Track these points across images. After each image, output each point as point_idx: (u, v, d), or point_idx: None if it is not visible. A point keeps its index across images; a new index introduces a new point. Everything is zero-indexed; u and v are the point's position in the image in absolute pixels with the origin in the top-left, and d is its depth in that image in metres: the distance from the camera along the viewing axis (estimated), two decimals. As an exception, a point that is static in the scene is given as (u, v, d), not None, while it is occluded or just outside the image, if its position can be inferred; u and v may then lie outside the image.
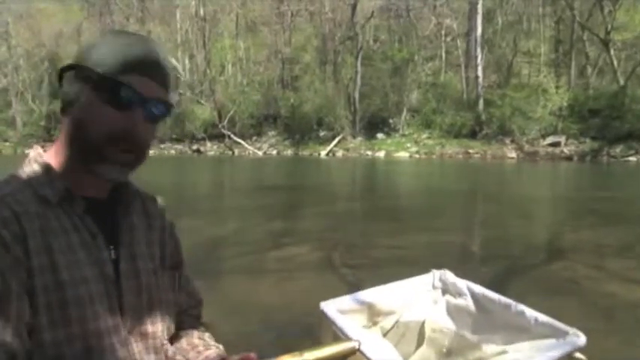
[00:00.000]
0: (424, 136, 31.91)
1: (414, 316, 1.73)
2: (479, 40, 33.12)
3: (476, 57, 32.83)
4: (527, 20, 36.91)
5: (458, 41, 37.23)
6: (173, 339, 1.09)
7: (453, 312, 1.75)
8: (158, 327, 1.01)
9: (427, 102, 33.42)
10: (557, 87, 28.35)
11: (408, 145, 31.38)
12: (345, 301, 1.66)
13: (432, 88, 34.62)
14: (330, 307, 1.56)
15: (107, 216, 0.99)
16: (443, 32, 37.53)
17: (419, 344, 1.67)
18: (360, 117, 34.37)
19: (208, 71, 40.62)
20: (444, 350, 1.59)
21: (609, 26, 27.54)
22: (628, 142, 24.10)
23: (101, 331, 0.89)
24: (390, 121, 33.64)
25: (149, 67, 0.93)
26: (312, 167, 23.83)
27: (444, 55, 37.13)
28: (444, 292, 1.82)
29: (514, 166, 23.41)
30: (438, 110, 32.49)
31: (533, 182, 16.25)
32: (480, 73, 32.18)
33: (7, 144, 44.18)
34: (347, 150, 32.72)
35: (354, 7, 37.20)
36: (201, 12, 43.16)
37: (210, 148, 38.04)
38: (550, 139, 27.08)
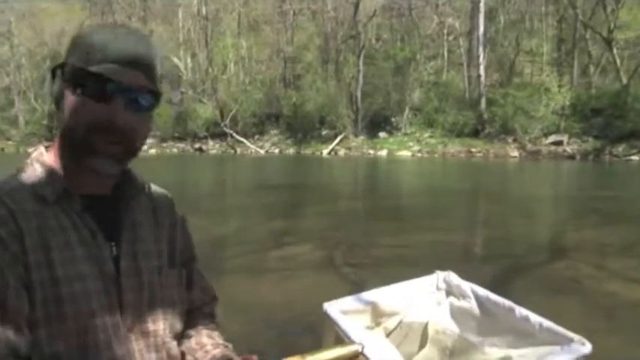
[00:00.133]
0: (426, 135, 31.89)
1: (418, 318, 1.72)
2: (481, 38, 33.08)
3: (478, 56, 32.77)
4: (530, 19, 36.87)
5: (460, 40, 37.15)
6: (183, 338, 1.09)
7: (456, 314, 1.75)
8: (159, 325, 1.00)
9: (429, 101, 33.38)
10: (559, 86, 28.30)
11: (411, 144, 31.36)
12: (348, 302, 1.66)
13: (435, 87, 34.58)
14: (333, 307, 1.56)
15: (109, 213, 0.99)
16: (445, 31, 37.50)
17: (422, 345, 1.66)
18: (362, 116, 34.36)
19: (210, 70, 40.64)
20: (447, 352, 1.59)
21: (612, 25, 27.48)
22: (630, 141, 24.05)
23: (98, 327, 0.89)
24: (393, 119, 33.60)
25: (131, 57, 0.91)
26: (314, 166, 23.84)
27: (446, 54, 37.10)
28: (448, 293, 1.82)
29: (516, 165, 23.40)
30: (440, 109, 32.45)
31: (535, 181, 16.24)
32: (482, 72, 32.14)
33: (10, 142, 44.32)
34: (349, 149, 32.71)
35: (356, 5, 37.17)
36: (204, 11, 43.21)
37: (213, 147, 38.07)
38: (552, 138, 27.06)
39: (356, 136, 33.86)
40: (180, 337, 1.08)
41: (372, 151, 31.58)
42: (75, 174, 0.95)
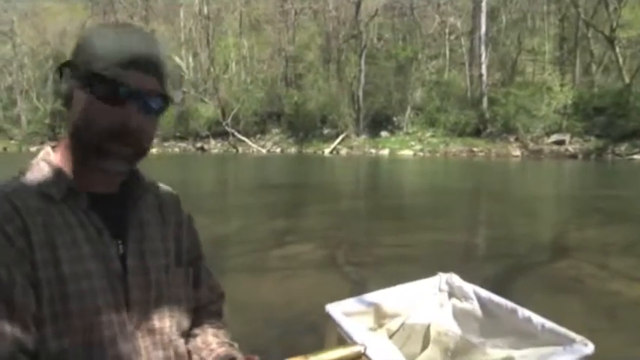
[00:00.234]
0: (428, 134, 31.88)
1: (420, 319, 1.72)
2: (483, 38, 33.05)
3: (480, 55, 32.74)
4: (532, 18, 36.84)
5: (462, 39, 37.15)
6: (190, 336, 1.10)
7: (458, 315, 1.75)
8: (166, 323, 1.01)
9: (431, 100, 33.38)
10: (561, 85, 28.28)
11: (412, 143, 31.36)
12: (350, 304, 1.66)
13: (436, 87, 34.58)
14: (336, 309, 1.56)
15: (116, 211, 1.00)
16: (447, 30, 37.50)
17: (424, 347, 1.66)
18: (363, 115, 34.38)
19: (212, 69, 40.67)
20: (449, 353, 1.59)
21: (614, 23, 27.44)
22: (633, 140, 24.00)
23: (103, 325, 0.89)
24: (394, 119, 33.61)
25: (142, 61, 0.92)
26: (316, 165, 23.84)
27: (447, 53, 37.10)
28: (450, 295, 1.82)
29: (518, 164, 23.37)
30: (442, 108, 32.45)
31: (537, 180, 16.22)
32: (484, 71, 32.11)
33: (12, 142, 44.44)
34: (351, 148, 32.73)
35: (358, 5, 37.17)
36: (205, 10, 43.22)
37: (214, 146, 38.13)
38: (554, 137, 27.03)
39: (358, 135, 33.87)
40: (187, 335, 1.09)
41: (373, 151, 31.58)
42: (83, 173, 0.96)
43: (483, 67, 32.23)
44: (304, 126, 35.37)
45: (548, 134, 27.50)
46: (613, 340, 3.06)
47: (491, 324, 1.62)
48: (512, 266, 5.03)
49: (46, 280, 0.85)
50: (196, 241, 1.18)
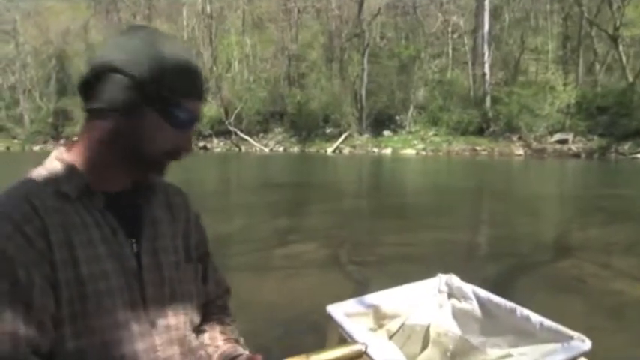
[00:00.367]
0: (431, 133, 31.84)
1: (420, 320, 1.74)
2: (486, 37, 32.97)
3: (483, 54, 32.69)
4: (535, 17, 36.70)
5: (465, 38, 37.09)
6: (198, 332, 1.12)
7: (458, 316, 1.76)
8: (180, 319, 1.03)
9: (434, 99, 33.32)
10: (564, 84, 28.20)
11: (415, 142, 31.33)
12: (352, 305, 1.67)
13: (439, 86, 34.51)
14: (337, 309, 1.58)
15: (129, 209, 1.02)
16: (450, 29, 37.39)
17: (424, 347, 1.68)
18: (366, 114, 34.35)
19: (215, 68, 40.65)
20: (449, 353, 1.60)
21: (618, 22, 27.34)
22: (636, 139, 23.91)
23: (121, 323, 0.91)
24: (397, 118, 33.58)
25: (199, 89, 0.98)
26: (319, 164, 23.84)
27: (450, 52, 37.00)
28: (450, 295, 1.83)
29: (521, 163, 23.33)
30: (444, 107, 32.40)
31: (540, 180, 16.19)
32: (487, 70, 32.04)
33: (16, 141, 44.52)
34: (353, 147, 32.71)
35: (360, 4, 37.15)
36: (208, 9, 43.21)
37: (217, 145, 38.15)
38: (557, 137, 26.97)
39: (360, 134, 33.85)
40: (196, 330, 1.11)
41: (376, 150, 31.56)
42: (98, 172, 0.97)
43: (486, 65, 32.15)
44: (307, 125, 35.35)
45: (551, 133, 27.44)
46: (616, 340, 3.07)
47: (491, 323, 1.63)
48: (515, 265, 5.03)
49: (65, 281, 0.87)
50: (204, 237, 1.21)
